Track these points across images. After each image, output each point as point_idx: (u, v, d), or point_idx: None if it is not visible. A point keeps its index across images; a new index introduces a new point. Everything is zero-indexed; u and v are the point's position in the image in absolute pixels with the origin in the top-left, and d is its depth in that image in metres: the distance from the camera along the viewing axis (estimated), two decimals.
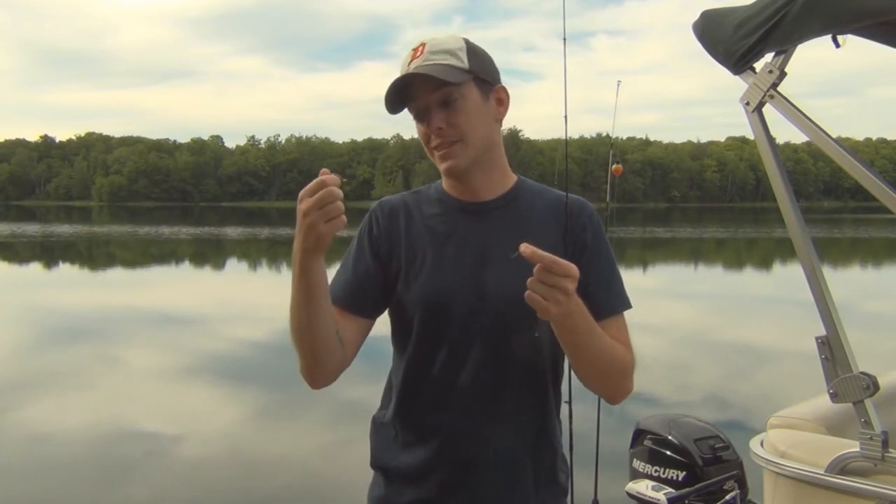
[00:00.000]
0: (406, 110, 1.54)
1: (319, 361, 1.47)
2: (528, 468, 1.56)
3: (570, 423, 1.70)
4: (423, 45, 1.50)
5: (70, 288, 18.44)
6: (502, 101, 1.57)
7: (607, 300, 1.52)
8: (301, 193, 1.27)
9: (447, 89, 1.48)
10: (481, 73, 1.52)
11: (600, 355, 1.43)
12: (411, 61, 1.50)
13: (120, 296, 16.41)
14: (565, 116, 1.67)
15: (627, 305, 1.56)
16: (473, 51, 1.53)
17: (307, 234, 1.28)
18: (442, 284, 1.53)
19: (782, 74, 1.87)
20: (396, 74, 1.52)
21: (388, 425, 1.61)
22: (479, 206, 1.58)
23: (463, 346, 1.52)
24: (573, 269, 1.26)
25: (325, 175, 1.26)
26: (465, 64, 1.50)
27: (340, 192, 1.25)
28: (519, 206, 1.58)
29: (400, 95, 1.50)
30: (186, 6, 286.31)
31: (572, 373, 1.58)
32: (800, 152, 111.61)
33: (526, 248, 1.24)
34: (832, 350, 1.83)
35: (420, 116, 1.52)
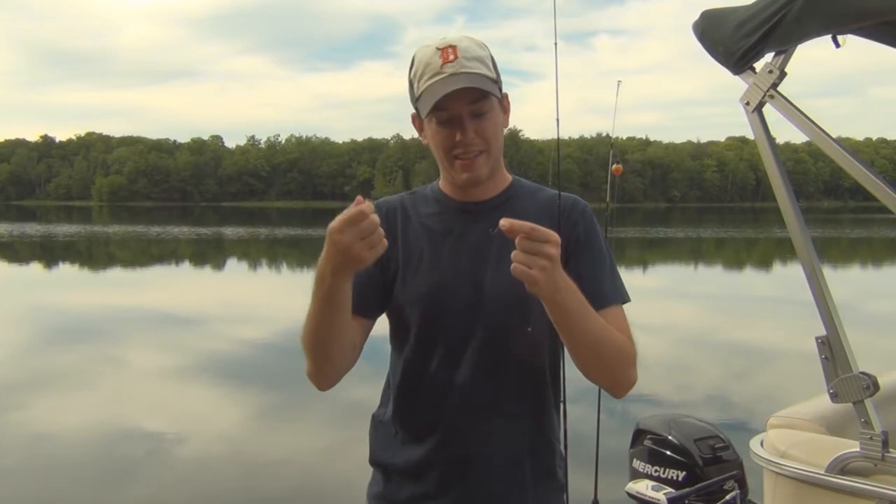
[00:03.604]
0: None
1: (332, 367, 1.49)
2: (526, 465, 1.56)
3: (565, 421, 1.70)
4: (452, 47, 1.48)
5: (70, 288, 18.45)
6: (506, 110, 1.59)
7: (600, 291, 1.49)
8: (339, 224, 1.25)
9: (482, 101, 1.48)
10: (500, 84, 1.54)
11: (597, 338, 1.40)
12: (444, 64, 1.47)
13: (120, 296, 16.41)
14: (557, 119, 1.69)
15: (623, 298, 1.55)
16: (494, 60, 1.54)
17: (349, 261, 1.28)
18: (439, 283, 1.54)
19: (782, 74, 1.87)
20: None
21: (387, 423, 1.62)
22: (475, 206, 1.59)
23: (460, 343, 1.53)
24: (553, 234, 1.26)
25: (362, 204, 1.26)
26: (494, 74, 1.51)
27: (377, 219, 1.26)
28: (514, 206, 1.59)
29: (433, 98, 1.47)
30: (187, 6, 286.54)
31: (568, 370, 1.58)
32: (800, 152, 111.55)
33: (505, 221, 1.25)
34: (832, 350, 1.83)
35: (450, 123, 1.49)
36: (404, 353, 1.58)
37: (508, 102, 1.59)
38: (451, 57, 1.47)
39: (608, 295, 1.52)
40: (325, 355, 1.46)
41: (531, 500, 1.57)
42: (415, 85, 1.52)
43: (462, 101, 1.46)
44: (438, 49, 1.48)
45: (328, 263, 1.30)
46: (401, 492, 1.58)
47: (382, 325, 1.63)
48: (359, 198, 1.27)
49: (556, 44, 1.61)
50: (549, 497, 1.62)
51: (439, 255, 1.56)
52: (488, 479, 1.54)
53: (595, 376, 1.47)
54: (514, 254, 1.25)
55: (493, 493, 1.54)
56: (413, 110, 1.59)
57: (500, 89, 1.55)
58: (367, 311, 1.55)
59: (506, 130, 1.67)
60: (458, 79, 1.45)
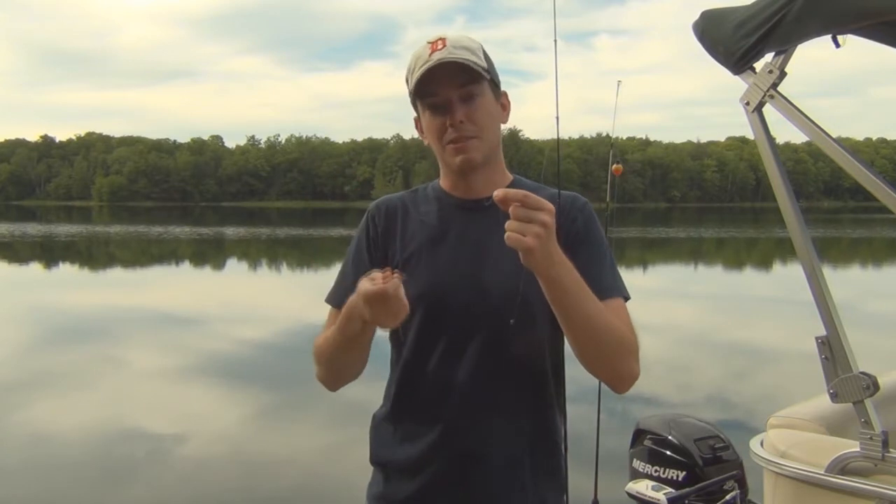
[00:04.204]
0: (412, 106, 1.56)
1: (350, 376, 1.59)
2: (526, 465, 1.56)
3: (565, 421, 1.70)
4: (442, 39, 1.52)
5: (70, 288, 18.45)
6: (505, 107, 1.61)
7: (600, 283, 1.46)
8: (369, 297, 1.32)
9: (471, 86, 1.51)
10: (493, 75, 1.56)
11: (596, 322, 1.38)
12: (433, 53, 1.50)
13: (120, 296, 16.41)
14: (557, 117, 1.69)
15: (622, 293, 1.54)
16: (486, 54, 1.57)
17: (372, 323, 1.39)
18: (438, 280, 1.54)
19: (782, 74, 1.87)
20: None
21: (387, 421, 1.62)
22: (475, 204, 1.59)
23: (460, 342, 1.53)
24: (547, 203, 1.26)
25: (389, 282, 1.30)
26: (484, 63, 1.53)
27: (402, 298, 1.31)
28: None
29: (424, 84, 1.51)
30: (187, 6, 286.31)
31: (568, 368, 1.58)
32: (800, 152, 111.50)
33: (499, 192, 1.26)
34: (832, 350, 1.83)
35: (440, 109, 1.52)
36: (404, 352, 1.59)
37: (508, 101, 1.61)
38: (440, 46, 1.51)
39: (608, 287, 1.50)
40: (339, 370, 1.56)
41: (531, 500, 1.57)
42: (409, 79, 1.55)
43: (451, 84, 1.50)
44: (429, 42, 1.53)
45: (357, 317, 1.38)
46: (400, 491, 1.58)
47: None
48: (387, 274, 1.31)
49: (555, 41, 1.62)
50: (549, 496, 1.61)
51: (439, 254, 1.56)
52: (488, 479, 1.53)
53: (595, 367, 1.45)
54: (507, 223, 1.25)
55: (493, 492, 1.54)
56: (414, 113, 1.61)
57: (497, 84, 1.58)
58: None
59: (506, 130, 1.67)
60: (443, 61, 1.49)
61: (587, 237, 1.56)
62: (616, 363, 1.45)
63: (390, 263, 1.57)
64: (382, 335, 1.64)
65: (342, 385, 1.60)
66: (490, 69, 1.55)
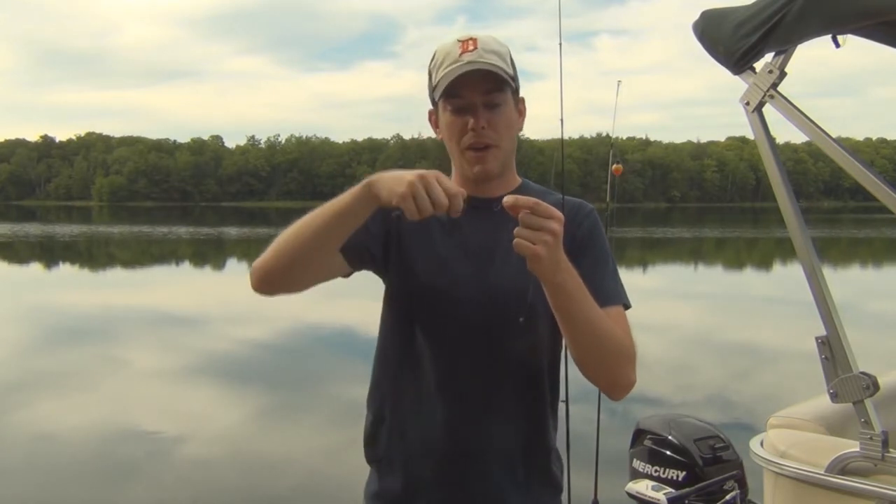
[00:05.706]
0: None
1: (289, 275, 1.49)
2: (522, 464, 1.56)
3: (567, 421, 1.70)
4: (473, 39, 1.51)
5: (71, 288, 18.46)
6: (522, 113, 1.61)
7: (602, 290, 1.47)
8: (434, 175, 1.27)
9: (497, 94, 1.50)
10: (517, 82, 1.56)
11: (597, 328, 1.39)
12: (463, 53, 1.49)
13: (120, 296, 16.42)
14: (561, 120, 1.69)
15: (623, 300, 1.54)
16: (512, 59, 1.56)
17: (394, 190, 1.29)
18: (441, 277, 1.54)
19: (782, 74, 1.88)
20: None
21: (383, 418, 1.61)
22: (483, 203, 1.58)
23: (460, 340, 1.53)
24: (557, 211, 1.27)
25: (461, 196, 1.27)
26: (511, 71, 1.53)
27: (444, 205, 1.25)
28: None
29: (451, 85, 1.49)
30: (187, 6, 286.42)
31: (570, 370, 1.58)
32: (800, 152, 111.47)
33: (509, 198, 1.26)
34: (832, 350, 1.83)
35: (463, 111, 1.51)
36: (401, 347, 1.58)
37: (525, 106, 1.61)
38: (471, 47, 1.50)
39: (610, 294, 1.51)
40: (297, 260, 1.46)
41: (527, 499, 1.57)
42: (433, 75, 1.54)
43: (477, 89, 1.49)
44: (459, 41, 1.51)
45: (384, 179, 1.32)
46: (397, 489, 1.58)
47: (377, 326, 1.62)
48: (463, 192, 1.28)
49: (560, 44, 1.62)
50: (546, 496, 1.62)
51: (444, 250, 1.56)
52: (484, 478, 1.54)
53: (593, 372, 1.45)
54: (517, 230, 1.26)
55: (490, 491, 1.54)
56: (430, 107, 1.60)
57: (518, 91, 1.57)
58: (350, 257, 1.51)
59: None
60: (475, 66, 1.48)
61: (591, 243, 1.56)
62: (614, 370, 1.46)
63: (393, 248, 1.56)
64: (373, 336, 1.64)
65: (280, 283, 1.51)
66: (515, 77, 1.54)
